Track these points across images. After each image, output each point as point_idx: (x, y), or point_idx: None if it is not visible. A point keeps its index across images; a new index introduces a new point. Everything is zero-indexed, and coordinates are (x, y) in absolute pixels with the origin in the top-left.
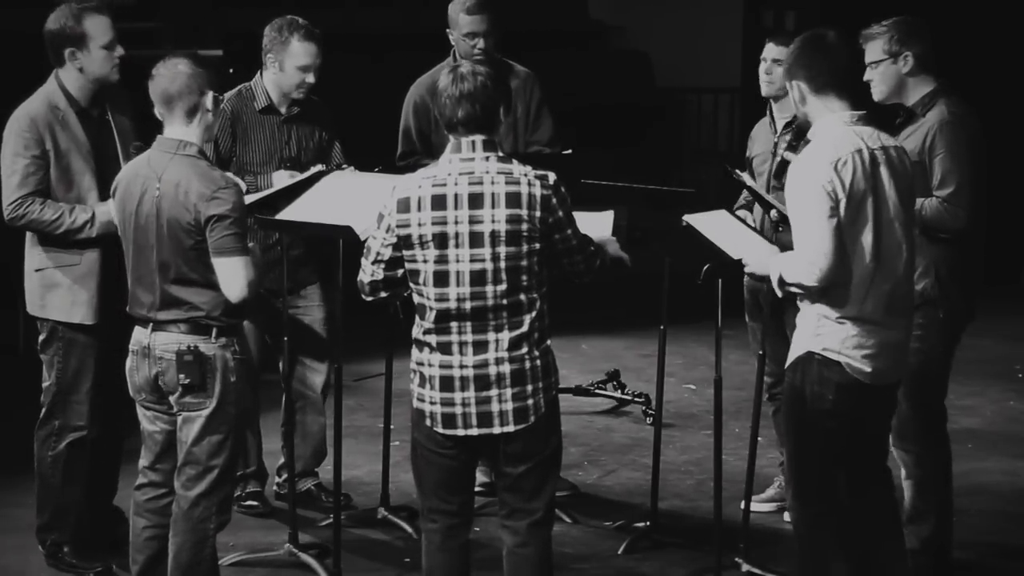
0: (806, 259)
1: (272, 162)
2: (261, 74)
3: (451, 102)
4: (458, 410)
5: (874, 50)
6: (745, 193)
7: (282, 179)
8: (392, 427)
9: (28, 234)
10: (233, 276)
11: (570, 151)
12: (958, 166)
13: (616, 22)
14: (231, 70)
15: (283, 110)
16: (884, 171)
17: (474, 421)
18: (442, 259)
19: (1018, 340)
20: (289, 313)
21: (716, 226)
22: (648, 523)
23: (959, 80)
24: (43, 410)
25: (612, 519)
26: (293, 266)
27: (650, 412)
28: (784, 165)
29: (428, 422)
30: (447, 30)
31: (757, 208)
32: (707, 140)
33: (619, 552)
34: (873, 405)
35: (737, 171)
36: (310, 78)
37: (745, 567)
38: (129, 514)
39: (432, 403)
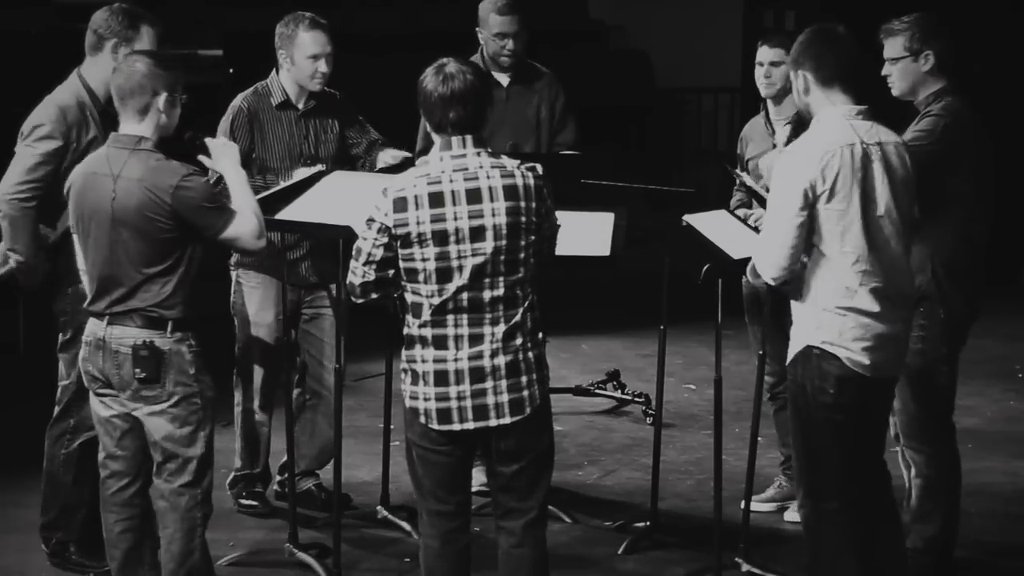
0: (767, 253)
1: (291, 157)
2: (277, 72)
3: (441, 102)
4: (453, 404)
5: (894, 46)
6: (738, 194)
7: (302, 175)
8: (392, 427)
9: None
10: (241, 233)
11: (578, 152)
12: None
13: (616, 22)
14: (231, 70)
15: (300, 105)
16: (877, 167)
17: (470, 415)
18: (443, 256)
19: (1018, 340)
20: (309, 311)
21: (716, 226)
22: (648, 523)
23: (959, 79)
24: (57, 408)
25: (612, 519)
26: (316, 262)
27: (650, 412)
28: None
29: (423, 419)
30: (476, 28)
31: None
32: (707, 140)
33: (619, 552)
34: (873, 398)
35: (737, 171)
36: (323, 66)
37: (745, 567)
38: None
39: (426, 399)
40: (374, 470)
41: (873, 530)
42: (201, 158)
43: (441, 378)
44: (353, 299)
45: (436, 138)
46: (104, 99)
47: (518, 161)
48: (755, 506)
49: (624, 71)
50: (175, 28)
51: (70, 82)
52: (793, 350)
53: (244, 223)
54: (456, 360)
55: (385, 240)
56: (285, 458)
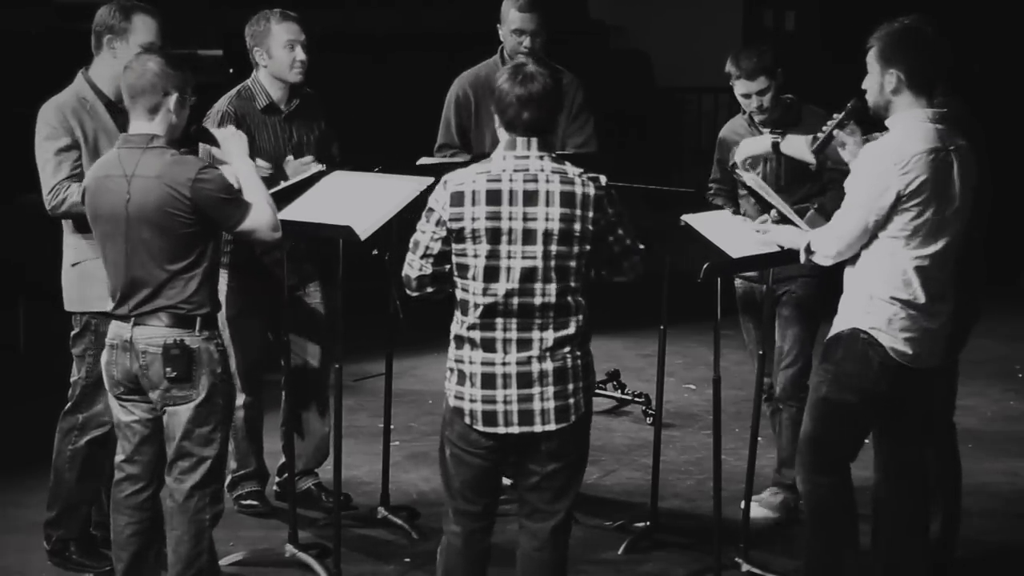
0: (830, 237)
1: (277, 161)
2: (256, 74)
3: (517, 103)
4: (499, 408)
5: None
6: (714, 187)
7: (297, 169)
8: (392, 427)
9: (65, 230)
10: (258, 224)
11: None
12: None
13: (616, 22)
14: (231, 70)
15: (283, 107)
16: (956, 171)
17: (515, 419)
18: (493, 254)
19: (1018, 340)
20: (293, 310)
21: (715, 226)
22: (648, 523)
23: (958, 79)
24: (68, 403)
25: (612, 519)
26: (296, 263)
27: (650, 412)
28: (829, 139)
29: (467, 420)
30: (497, 25)
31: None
32: (707, 140)
33: (619, 552)
34: (913, 387)
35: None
36: (300, 55)
37: (745, 567)
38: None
39: (472, 400)
40: (374, 470)
41: (895, 524)
42: (211, 149)
43: (488, 381)
44: (408, 292)
45: (502, 135)
46: (114, 95)
47: (581, 169)
48: (754, 507)
49: (624, 71)
50: (175, 28)
51: (74, 83)
52: (837, 328)
53: (261, 214)
54: (504, 364)
55: (443, 233)
56: (283, 459)
